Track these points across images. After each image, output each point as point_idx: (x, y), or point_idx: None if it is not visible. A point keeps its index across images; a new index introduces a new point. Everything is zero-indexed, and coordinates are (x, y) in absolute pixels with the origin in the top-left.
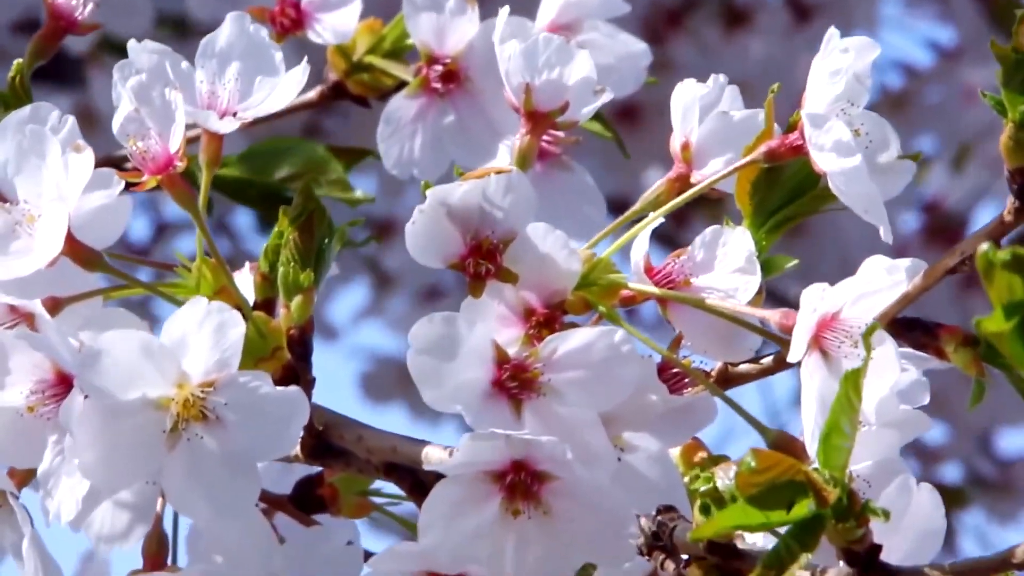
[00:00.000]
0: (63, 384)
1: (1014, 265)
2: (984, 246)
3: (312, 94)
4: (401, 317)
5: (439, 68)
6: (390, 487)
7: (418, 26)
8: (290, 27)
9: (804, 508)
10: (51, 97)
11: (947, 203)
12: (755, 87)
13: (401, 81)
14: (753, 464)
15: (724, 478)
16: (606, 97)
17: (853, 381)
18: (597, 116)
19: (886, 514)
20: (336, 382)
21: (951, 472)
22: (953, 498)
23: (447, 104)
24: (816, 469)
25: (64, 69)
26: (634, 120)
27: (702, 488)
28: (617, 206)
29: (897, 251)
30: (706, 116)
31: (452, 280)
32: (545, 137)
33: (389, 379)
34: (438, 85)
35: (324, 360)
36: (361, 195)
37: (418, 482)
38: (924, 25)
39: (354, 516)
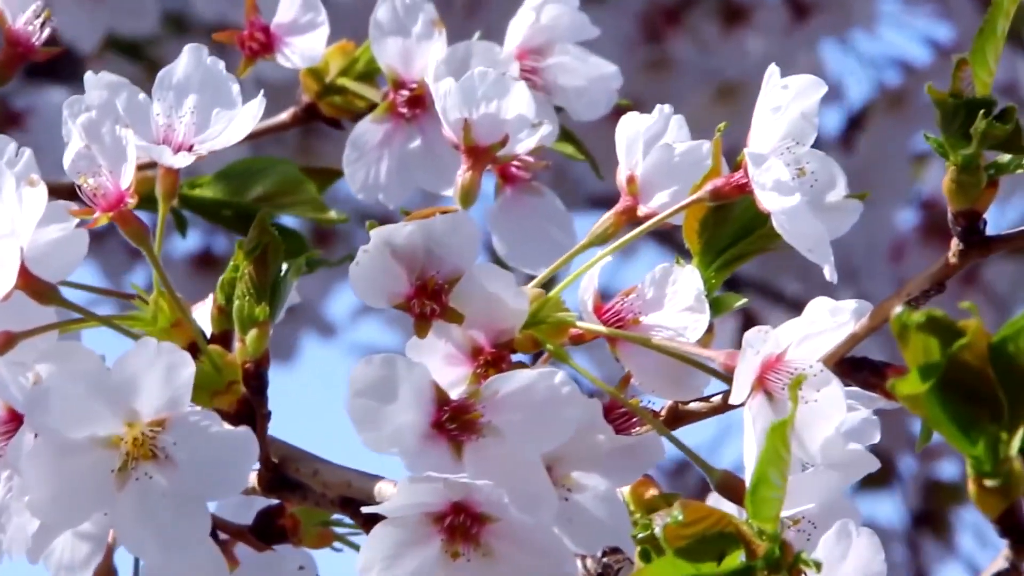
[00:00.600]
0: (14, 421)
1: (929, 327)
2: (898, 309)
3: (285, 116)
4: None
5: (405, 93)
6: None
7: (384, 50)
8: (259, 51)
9: (735, 559)
10: (54, 95)
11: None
12: (753, 85)
13: (374, 103)
14: (680, 517)
15: (662, 524)
16: (545, 130)
17: (780, 432)
18: (570, 138)
19: (818, 565)
20: (334, 380)
21: (949, 469)
22: (951, 495)
23: (414, 129)
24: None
25: (68, 68)
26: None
27: (640, 535)
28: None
29: (895, 248)
30: (651, 148)
31: None
32: (515, 163)
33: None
34: (404, 110)
35: (322, 358)
36: (335, 215)
37: (373, 516)
38: (922, 22)
39: (315, 546)
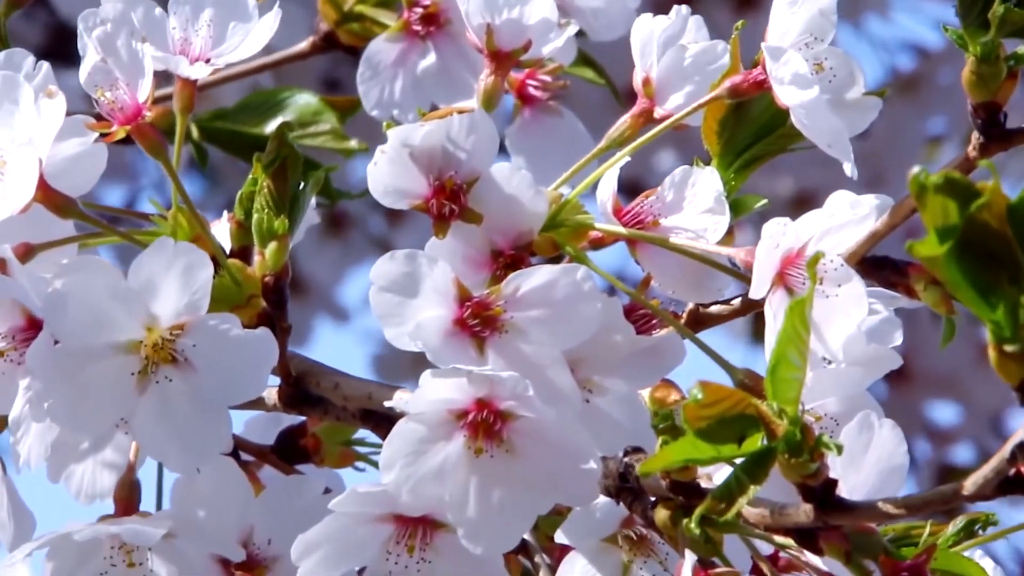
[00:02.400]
0: (34, 329)
1: (947, 189)
2: (916, 169)
3: (304, 44)
4: None
5: (419, 10)
6: (375, 436)
7: None
8: None
9: (755, 442)
10: (62, 77)
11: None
12: None
13: None
14: (700, 397)
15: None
16: (572, 30)
17: (799, 311)
18: (590, 63)
19: (839, 448)
20: (349, 365)
21: (963, 453)
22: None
23: (428, 46)
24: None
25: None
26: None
27: (661, 425)
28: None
29: (908, 230)
30: (667, 49)
31: None
32: (532, 83)
33: (401, 362)
34: (419, 28)
35: (336, 343)
36: (355, 145)
37: None
38: (935, 6)
39: (337, 466)
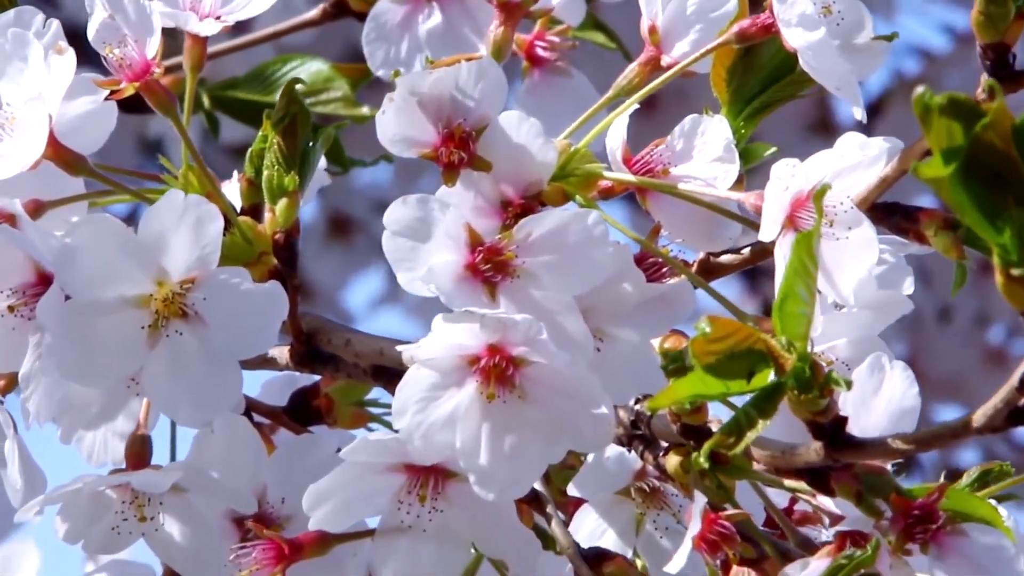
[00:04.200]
0: (44, 284)
1: (951, 110)
2: (920, 90)
3: (314, 12)
4: (419, 304)
5: None
6: (388, 397)
7: None
8: None
9: (764, 377)
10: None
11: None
12: None
13: None
14: (708, 331)
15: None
16: None
17: (806, 245)
18: (600, 27)
19: (848, 384)
20: None
21: (969, 456)
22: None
23: (433, 7)
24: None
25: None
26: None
27: (670, 367)
28: None
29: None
30: None
31: None
32: (541, 44)
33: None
34: None
35: None
36: (367, 111)
37: None
38: (940, 10)
39: (350, 427)
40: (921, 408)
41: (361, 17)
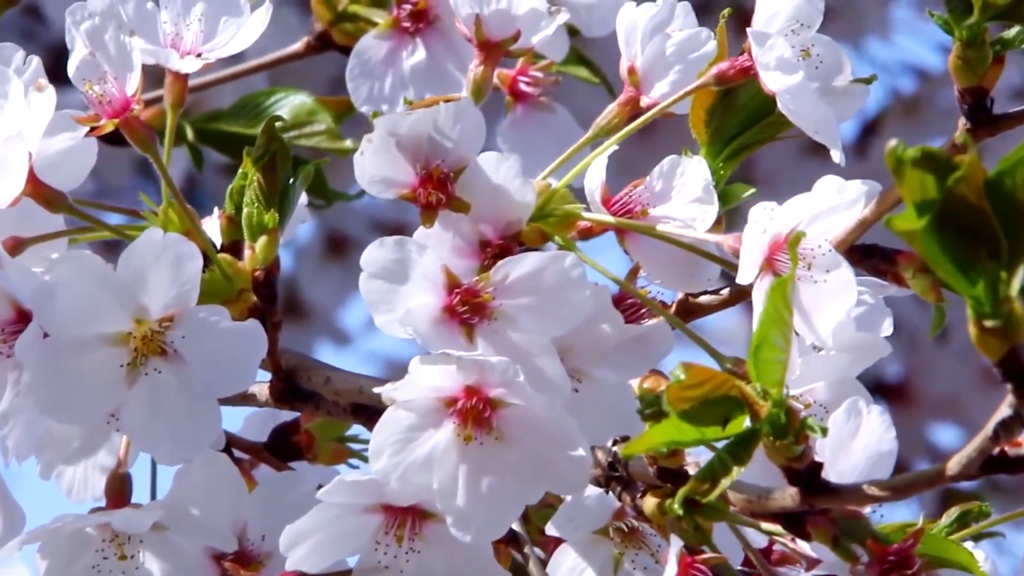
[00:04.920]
0: (23, 322)
1: (924, 162)
2: (892, 142)
3: (298, 45)
4: None
5: (408, 7)
6: (369, 433)
7: None
8: None
9: (740, 424)
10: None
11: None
12: None
13: None
14: (683, 378)
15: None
16: (562, 18)
17: (781, 293)
18: (584, 62)
19: (824, 431)
20: None
21: None
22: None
23: (417, 43)
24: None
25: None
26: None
27: (647, 411)
28: None
29: None
30: (652, 37)
31: None
32: (524, 79)
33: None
34: (408, 24)
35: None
36: (350, 145)
37: None
38: (936, 28)
39: (331, 463)
40: (918, 427)
41: (345, 51)
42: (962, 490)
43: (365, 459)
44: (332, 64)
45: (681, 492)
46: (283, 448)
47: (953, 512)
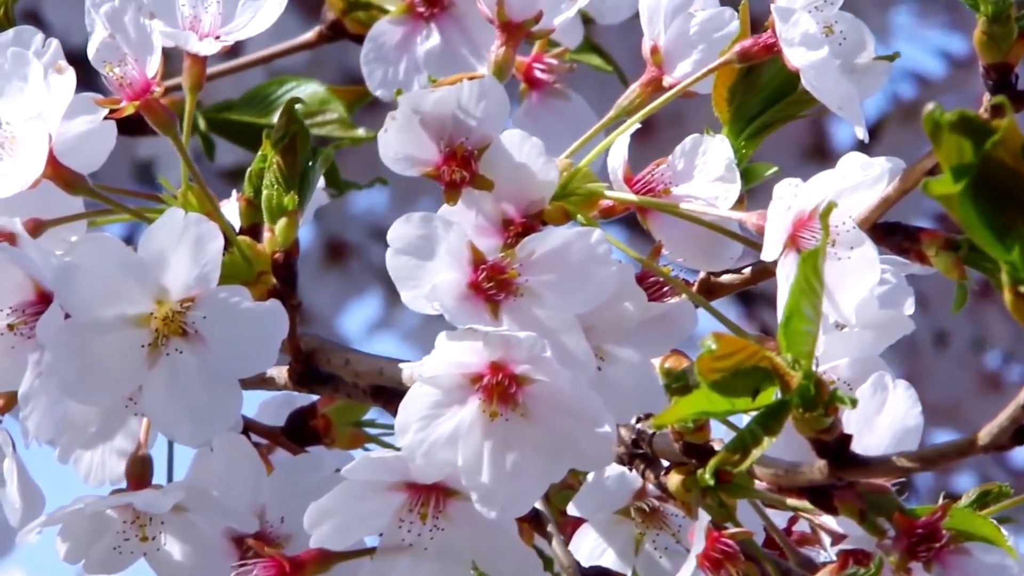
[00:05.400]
0: (44, 303)
1: (961, 126)
2: (931, 106)
3: (310, 34)
4: (415, 329)
5: None
6: (385, 418)
7: None
8: None
9: (770, 395)
10: None
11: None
12: None
13: None
14: (714, 348)
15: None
16: (583, 1)
17: (812, 264)
18: (597, 50)
19: (853, 402)
20: None
21: (965, 482)
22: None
23: (431, 28)
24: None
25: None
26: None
27: (674, 385)
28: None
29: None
30: (675, 17)
31: None
32: (539, 66)
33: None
34: (423, 9)
35: None
36: (363, 133)
37: None
38: (936, 35)
39: (348, 447)
40: None
41: (357, 39)
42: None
43: (382, 443)
44: (339, 55)
45: (713, 462)
46: (300, 433)
47: (972, 493)
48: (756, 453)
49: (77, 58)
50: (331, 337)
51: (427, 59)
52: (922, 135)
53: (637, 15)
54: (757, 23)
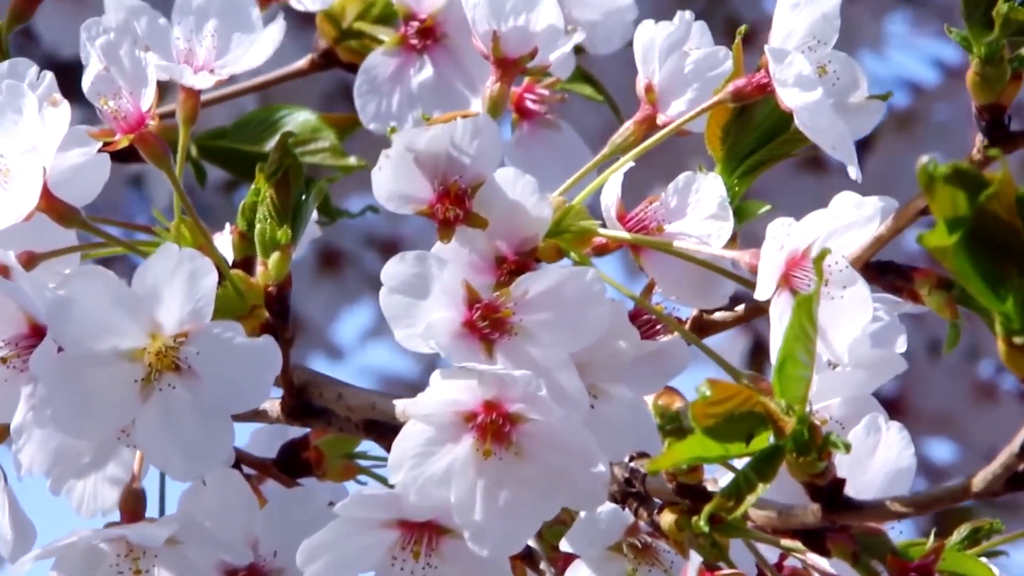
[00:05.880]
0: (37, 336)
1: (956, 179)
2: (924, 159)
3: (303, 62)
4: None
5: (416, 24)
6: (377, 450)
7: None
8: None
9: (764, 440)
10: None
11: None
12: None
13: None
14: (708, 394)
15: (687, 411)
16: (578, 37)
17: (806, 309)
18: (588, 79)
19: (847, 446)
20: None
21: None
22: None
23: (424, 60)
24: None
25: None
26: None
27: (668, 427)
28: None
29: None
30: (670, 56)
31: None
32: (531, 97)
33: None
34: (416, 42)
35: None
36: (354, 162)
37: None
38: (929, 43)
39: (340, 479)
40: (912, 443)
41: (349, 68)
42: (960, 507)
43: (374, 476)
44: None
45: (707, 509)
46: (292, 464)
47: (964, 529)
48: (751, 499)
49: (68, 72)
50: (325, 346)
51: (420, 91)
52: (916, 143)
53: (628, 45)
54: (752, 33)
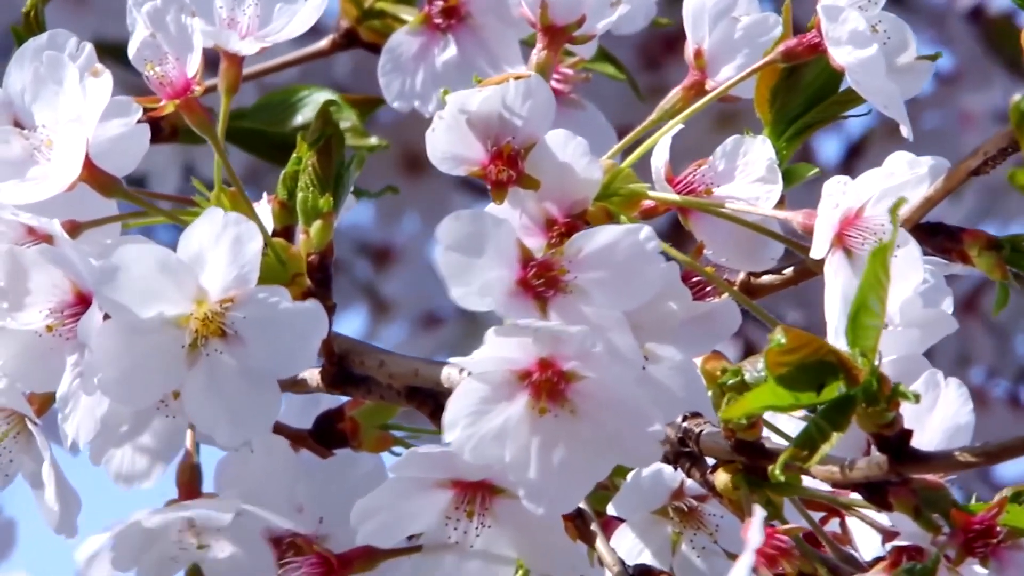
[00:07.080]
0: (82, 304)
1: None
2: (1017, 96)
3: (324, 42)
4: (399, 344)
5: (440, 3)
6: (411, 420)
7: None
8: None
9: (833, 390)
10: None
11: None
12: (749, 111)
13: None
14: (783, 341)
15: (752, 370)
16: (623, 9)
17: (882, 258)
18: (610, 58)
19: (916, 397)
20: None
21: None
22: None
23: (448, 39)
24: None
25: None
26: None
27: (730, 381)
28: None
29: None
30: (719, 21)
31: (450, 307)
32: (555, 76)
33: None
34: (439, 21)
35: None
36: (375, 141)
37: (440, 406)
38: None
39: (375, 450)
40: None
41: (372, 48)
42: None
43: (408, 446)
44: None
45: (782, 458)
46: (328, 435)
47: (1007, 491)
48: (825, 448)
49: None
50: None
51: (445, 70)
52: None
53: (649, 25)
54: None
